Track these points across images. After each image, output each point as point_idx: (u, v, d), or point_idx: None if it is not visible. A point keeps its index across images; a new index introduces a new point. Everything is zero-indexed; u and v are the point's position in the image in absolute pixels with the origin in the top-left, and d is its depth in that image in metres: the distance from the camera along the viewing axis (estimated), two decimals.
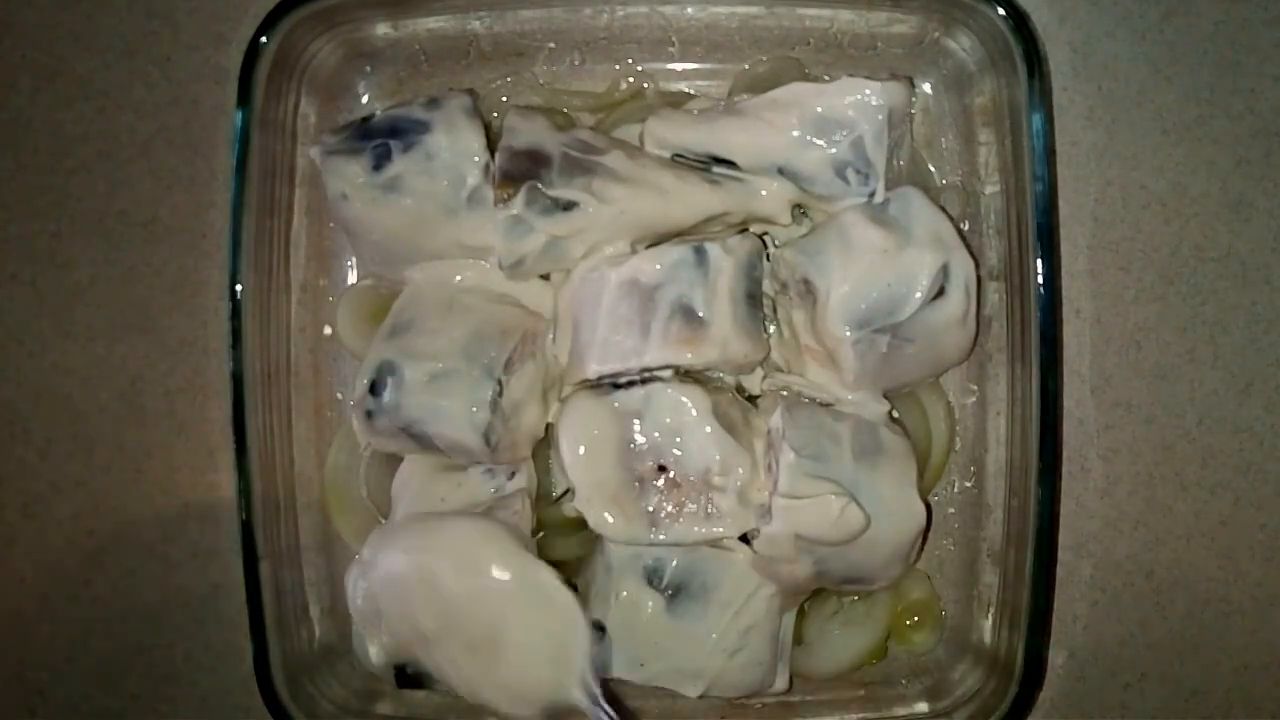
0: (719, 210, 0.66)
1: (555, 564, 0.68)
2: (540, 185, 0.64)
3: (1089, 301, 0.73)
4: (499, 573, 0.60)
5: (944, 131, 0.72)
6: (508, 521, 0.65)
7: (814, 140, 0.65)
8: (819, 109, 0.65)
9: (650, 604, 0.65)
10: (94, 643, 0.76)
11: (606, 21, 0.71)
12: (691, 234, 0.67)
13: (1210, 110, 0.74)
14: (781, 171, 0.66)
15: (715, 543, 0.64)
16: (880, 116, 0.64)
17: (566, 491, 0.67)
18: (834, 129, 0.65)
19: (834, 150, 0.65)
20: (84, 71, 0.77)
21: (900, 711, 0.70)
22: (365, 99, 0.74)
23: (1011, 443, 0.68)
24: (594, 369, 0.65)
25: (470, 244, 0.66)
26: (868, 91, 0.64)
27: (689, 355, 0.63)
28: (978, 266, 0.66)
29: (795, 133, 0.65)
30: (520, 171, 0.64)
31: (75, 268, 0.76)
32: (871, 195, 0.65)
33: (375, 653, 0.69)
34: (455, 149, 0.65)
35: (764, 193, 0.66)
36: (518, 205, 0.64)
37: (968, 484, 0.72)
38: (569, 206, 0.64)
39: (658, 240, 0.66)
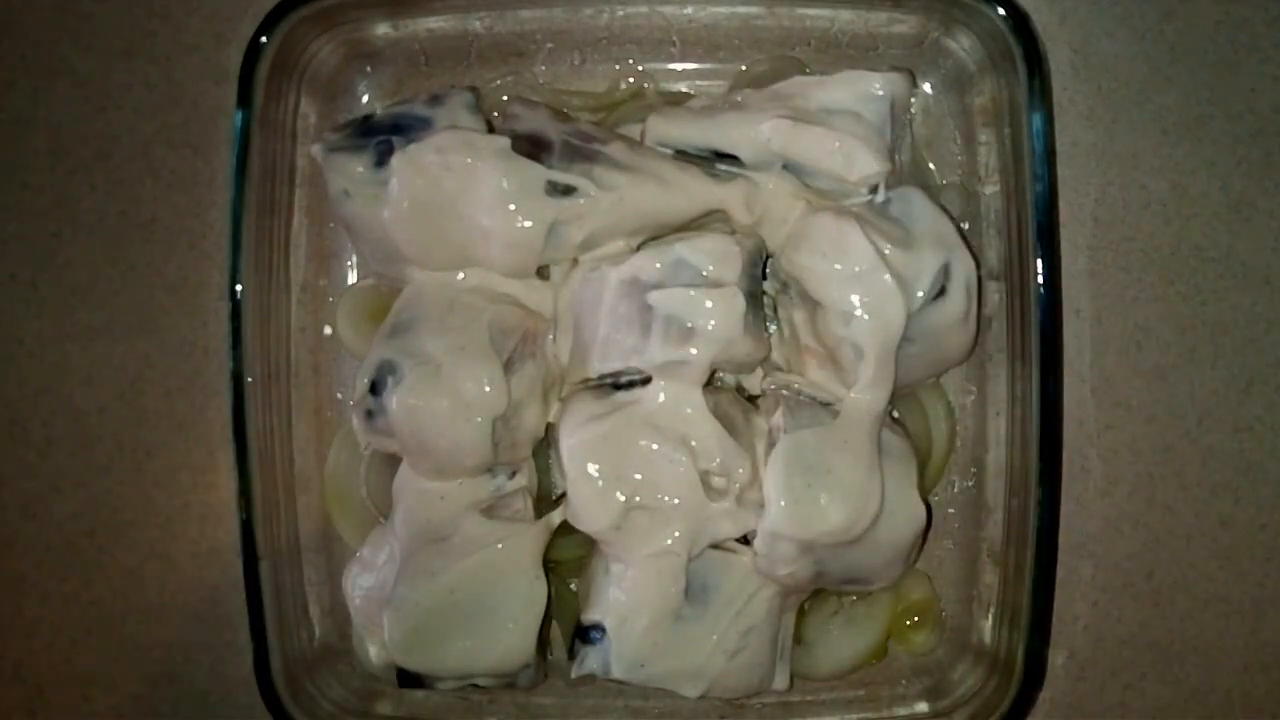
0: (720, 204, 0.65)
1: (555, 564, 0.69)
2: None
3: (1089, 301, 0.73)
4: None
5: (944, 131, 0.72)
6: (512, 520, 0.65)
7: None
8: (821, 102, 0.65)
9: None
10: (94, 643, 0.76)
11: (606, 21, 0.71)
12: (692, 230, 0.67)
13: (1210, 110, 0.74)
14: (785, 166, 0.66)
15: (716, 544, 0.64)
16: (883, 107, 0.65)
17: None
18: (836, 121, 0.65)
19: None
20: (84, 71, 0.77)
21: (900, 711, 0.70)
22: (365, 99, 0.74)
23: (1011, 443, 0.68)
24: (595, 368, 0.65)
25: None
26: (871, 83, 0.65)
27: (690, 353, 0.63)
28: (978, 266, 0.66)
29: None
30: (521, 155, 0.64)
31: (75, 268, 0.76)
32: (873, 192, 0.65)
33: (375, 653, 0.69)
34: None
35: (769, 187, 0.66)
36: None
37: (968, 484, 0.72)
38: (568, 191, 0.64)
39: (658, 234, 0.66)
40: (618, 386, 0.65)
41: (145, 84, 0.77)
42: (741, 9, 0.70)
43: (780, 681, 0.67)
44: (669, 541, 0.63)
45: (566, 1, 0.70)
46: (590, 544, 0.68)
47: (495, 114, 0.71)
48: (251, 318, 0.67)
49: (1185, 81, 0.74)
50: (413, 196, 0.64)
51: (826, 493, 0.61)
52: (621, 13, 0.71)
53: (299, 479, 0.70)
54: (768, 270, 0.67)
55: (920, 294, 0.63)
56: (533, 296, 0.68)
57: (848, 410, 0.63)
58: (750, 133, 0.65)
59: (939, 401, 0.71)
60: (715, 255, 0.64)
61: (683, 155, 0.67)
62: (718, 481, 0.63)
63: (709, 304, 0.63)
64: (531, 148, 0.64)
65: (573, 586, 0.71)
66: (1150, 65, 0.74)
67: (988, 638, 0.69)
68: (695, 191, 0.65)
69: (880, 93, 0.65)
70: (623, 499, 0.63)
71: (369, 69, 0.73)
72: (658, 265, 0.64)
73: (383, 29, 0.71)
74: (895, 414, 0.69)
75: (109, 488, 0.76)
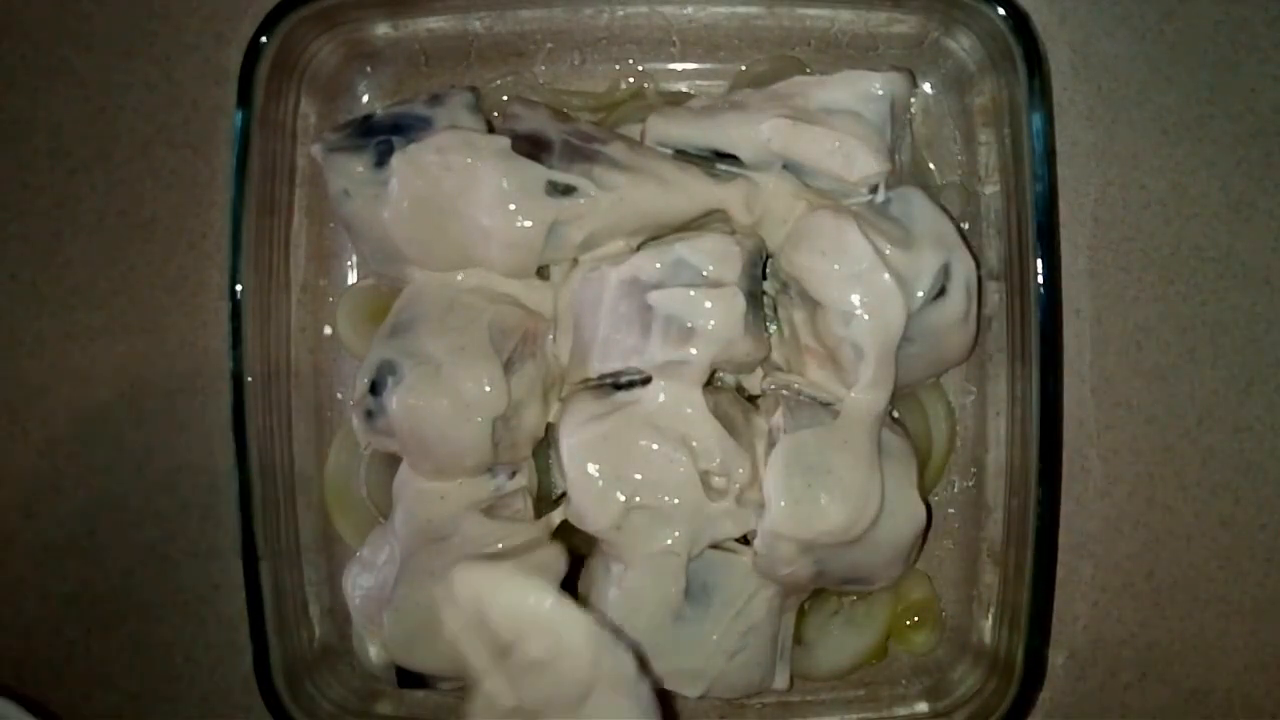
0: (720, 204, 0.65)
1: None
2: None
3: (1089, 301, 0.73)
4: None
5: (944, 131, 0.72)
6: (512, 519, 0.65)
7: None
8: (821, 102, 0.65)
9: None
10: (94, 643, 0.76)
11: (606, 21, 0.71)
12: (692, 230, 0.67)
13: (1210, 110, 0.74)
14: (785, 166, 0.66)
15: (716, 544, 0.64)
16: (883, 107, 0.65)
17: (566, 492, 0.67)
18: (836, 121, 0.65)
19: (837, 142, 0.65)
20: (84, 71, 0.77)
21: (900, 711, 0.70)
22: (365, 99, 0.74)
23: (1011, 443, 0.68)
24: (595, 368, 0.65)
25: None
26: (871, 83, 0.65)
27: (690, 353, 0.63)
28: (978, 266, 0.66)
29: None
30: (521, 155, 0.64)
31: (75, 268, 0.76)
32: (874, 191, 0.65)
33: (375, 653, 0.69)
34: None
35: (769, 187, 0.66)
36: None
37: (968, 484, 0.72)
38: (568, 190, 0.64)
39: (658, 234, 0.66)
40: (618, 386, 0.65)
41: (145, 84, 0.77)
42: (741, 9, 0.70)
43: (780, 681, 0.67)
44: (669, 541, 0.63)
45: (566, 1, 0.70)
46: (591, 544, 0.68)
47: (495, 114, 0.71)
48: (251, 318, 0.67)
49: (1185, 81, 0.74)
50: (413, 196, 0.64)
51: (826, 493, 0.61)
52: (621, 13, 0.71)
53: (299, 479, 0.70)
54: (768, 270, 0.67)
55: (920, 294, 0.63)
56: (533, 296, 0.68)
57: (848, 410, 0.63)
58: (750, 133, 0.65)
59: (939, 401, 0.71)
60: (715, 255, 0.64)
61: (683, 155, 0.67)
62: (718, 481, 0.63)
63: (709, 304, 0.63)
64: (531, 148, 0.64)
65: None
66: (1150, 65, 0.74)
67: (988, 638, 0.69)
68: (695, 191, 0.65)
69: (880, 93, 0.65)
70: (623, 499, 0.63)
71: (369, 69, 0.73)
72: (658, 265, 0.64)
73: (383, 29, 0.71)
74: (895, 414, 0.69)
75: (109, 488, 0.76)
